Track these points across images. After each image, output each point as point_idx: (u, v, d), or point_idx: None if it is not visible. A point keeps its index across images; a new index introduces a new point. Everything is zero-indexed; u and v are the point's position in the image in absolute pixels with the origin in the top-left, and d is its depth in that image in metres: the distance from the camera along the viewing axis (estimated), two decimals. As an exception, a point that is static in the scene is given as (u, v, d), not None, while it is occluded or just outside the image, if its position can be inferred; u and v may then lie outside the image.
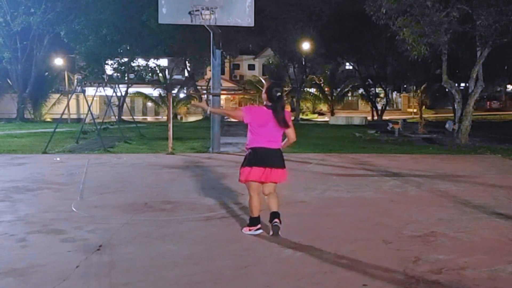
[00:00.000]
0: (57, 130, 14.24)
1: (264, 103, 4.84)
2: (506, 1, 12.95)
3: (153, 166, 9.85)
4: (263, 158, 4.75)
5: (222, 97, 39.75)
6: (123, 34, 25.08)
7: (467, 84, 16.46)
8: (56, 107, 30.16)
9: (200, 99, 36.13)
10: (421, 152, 12.97)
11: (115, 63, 27.90)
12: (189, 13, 11.28)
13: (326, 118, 37.34)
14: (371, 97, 36.89)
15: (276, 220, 4.77)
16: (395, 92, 45.76)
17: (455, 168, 9.86)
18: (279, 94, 4.76)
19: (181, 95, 38.27)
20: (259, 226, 4.88)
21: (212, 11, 11.21)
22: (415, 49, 14.12)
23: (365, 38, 27.59)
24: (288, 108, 4.98)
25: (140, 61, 28.97)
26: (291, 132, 4.88)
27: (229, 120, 23.89)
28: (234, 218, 5.56)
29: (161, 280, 3.72)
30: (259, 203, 4.87)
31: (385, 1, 13.68)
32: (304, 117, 39.62)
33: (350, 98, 47.56)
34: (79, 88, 19.17)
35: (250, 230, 4.89)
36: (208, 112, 5.08)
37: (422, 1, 13.53)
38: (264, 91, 4.86)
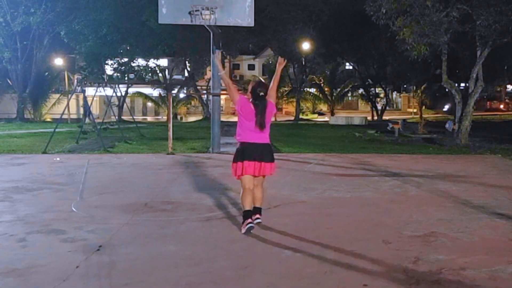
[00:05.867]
0: (57, 130, 14.24)
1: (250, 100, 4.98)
2: (506, 1, 12.94)
3: (153, 166, 9.84)
4: (253, 152, 4.89)
5: (222, 97, 39.73)
6: (123, 34, 25.04)
7: (467, 84, 16.46)
8: (56, 107, 30.15)
9: (200, 99, 36.24)
10: (421, 152, 12.97)
11: (115, 63, 27.87)
12: (189, 13, 11.28)
13: (326, 118, 37.34)
14: (371, 97, 36.90)
15: (258, 216, 5.03)
16: (395, 92, 45.76)
17: (455, 168, 9.86)
18: (262, 94, 4.92)
19: (181, 95, 38.27)
20: (249, 221, 4.91)
21: (212, 11, 11.21)
22: (415, 49, 14.11)
23: (365, 38, 27.59)
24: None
25: (140, 61, 28.95)
26: (274, 94, 5.13)
27: (229, 120, 23.89)
28: (234, 218, 5.56)
29: (162, 281, 3.72)
30: (252, 197, 5.00)
31: (385, 1, 13.68)
32: (304, 117, 39.62)
33: (350, 98, 47.58)
34: (79, 88, 19.16)
35: (243, 227, 4.90)
36: (221, 73, 5.24)
37: (422, 1, 13.52)
38: (249, 91, 5.00)
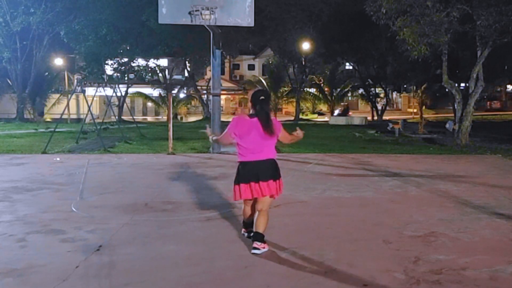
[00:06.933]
0: (57, 130, 14.23)
1: (250, 112, 4.50)
2: (506, 1, 12.93)
3: (154, 166, 9.84)
4: (249, 172, 4.42)
5: (222, 97, 39.78)
6: (123, 34, 25.05)
7: (467, 84, 16.45)
8: (56, 107, 30.17)
9: (200, 99, 36.26)
10: (421, 152, 12.96)
11: (115, 63, 27.89)
12: (189, 13, 11.27)
13: (326, 118, 37.35)
14: (371, 97, 36.89)
15: (256, 244, 4.34)
16: (395, 92, 45.76)
17: (456, 168, 9.85)
18: (262, 98, 4.43)
19: (181, 95, 38.28)
20: (249, 229, 4.73)
21: (212, 11, 11.20)
22: (415, 49, 14.09)
23: (365, 38, 27.56)
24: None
25: (140, 61, 28.96)
26: (283, 139, 4.66)
27: (229, 120, 23.86)
28: (234, 218, 5.55)
29: (162, 281, 3.71)
30: (251, 211, 4.69)
31: (385, 1, 13.67)
32: (304, 117, 39.62)
33: (350, 98, 47.55)
34: (79, 88, 19.17)
35: (245, 231, 4.86)
36: (211, 140, 4.85)
37: (422, 1, 13.51)
38: (249, 100, 4.55)
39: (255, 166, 4.41)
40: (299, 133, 4.76)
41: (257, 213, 4.52)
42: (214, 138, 4.87)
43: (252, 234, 4.53)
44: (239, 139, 4.44)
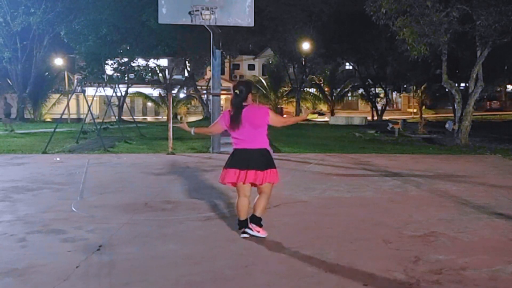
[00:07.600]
0: (57, 130, 14.24)
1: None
2: (506, 1, 12.95)
3: (154, 166, 9.84)
4: (238, 159, 4.60)
5: (222, 97, 39.74)
6: (123, 34, 25.04)
7: (467, 84, 16.47)
8: (56, 107, 30.20)
9: (200, 99, 36.26)
10: (421, 152, 12.97)
11: (115, 63, 27.87)
12: (189, 13, 11.28)
13: (326, 118, 37.37)
14: (371, 97, 36.90)
15: (250, 225, 4.61)
16: (395, 92, 45.78)
17: (455, 168, 9.86)
18: (236, 91, 4.55)
19: (181, 95, 38.26)
20: (243, 230, 4.74)
21: (212, 11, 11.21)
22: (415, 49, 14.11)
23: (365, 38, 27.59)
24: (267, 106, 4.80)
25: (140, 61, 28.95)
26: (275, 123, 4.71)
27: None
28: (234, 217, 5.53)
29: (162, 280, 3.72)
30: (245, 205, 4.70)
31: (385, 1, 13.68)
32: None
33: (350, 98, 47.58)
34: (79, 88, 19.16)
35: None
36: (193, 133, 4.95)
37: (422, 1, 13.52)
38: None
39: (246, 153, 4.60)
40: (304, 113, 5.14)
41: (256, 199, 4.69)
42: (195, 130, 5.02)
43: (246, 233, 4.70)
44: (230, 130, 4.66)
